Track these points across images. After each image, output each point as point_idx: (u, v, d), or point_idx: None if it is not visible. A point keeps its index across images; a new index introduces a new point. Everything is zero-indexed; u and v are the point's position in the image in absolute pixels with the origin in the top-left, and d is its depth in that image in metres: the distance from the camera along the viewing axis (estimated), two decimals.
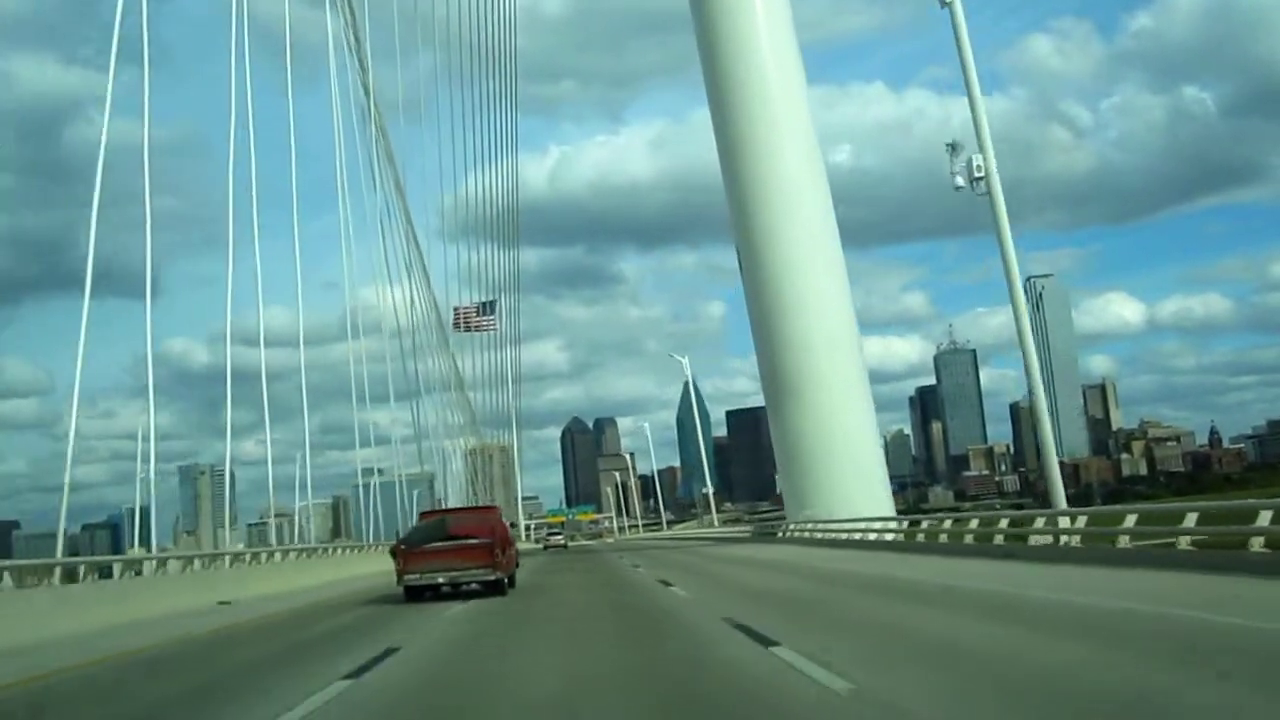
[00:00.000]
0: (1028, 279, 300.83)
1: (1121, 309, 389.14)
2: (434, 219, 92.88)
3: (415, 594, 19.36)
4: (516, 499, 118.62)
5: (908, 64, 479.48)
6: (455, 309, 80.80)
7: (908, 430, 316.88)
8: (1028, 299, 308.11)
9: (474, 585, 19.62)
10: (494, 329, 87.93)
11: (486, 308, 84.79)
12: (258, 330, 35.18)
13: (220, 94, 32.42)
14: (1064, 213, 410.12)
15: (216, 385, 30.08)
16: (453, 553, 19.39)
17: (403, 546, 19.77)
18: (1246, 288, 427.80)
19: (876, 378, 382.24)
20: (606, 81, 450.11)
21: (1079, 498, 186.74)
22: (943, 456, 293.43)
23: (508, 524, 26.36)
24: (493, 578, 19.56)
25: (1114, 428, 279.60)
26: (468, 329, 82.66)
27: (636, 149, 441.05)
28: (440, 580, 19.32)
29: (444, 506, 53.93)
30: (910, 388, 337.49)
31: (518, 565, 23.42)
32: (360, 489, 59.42)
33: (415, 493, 67.18)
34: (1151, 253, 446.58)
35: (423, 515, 24.41)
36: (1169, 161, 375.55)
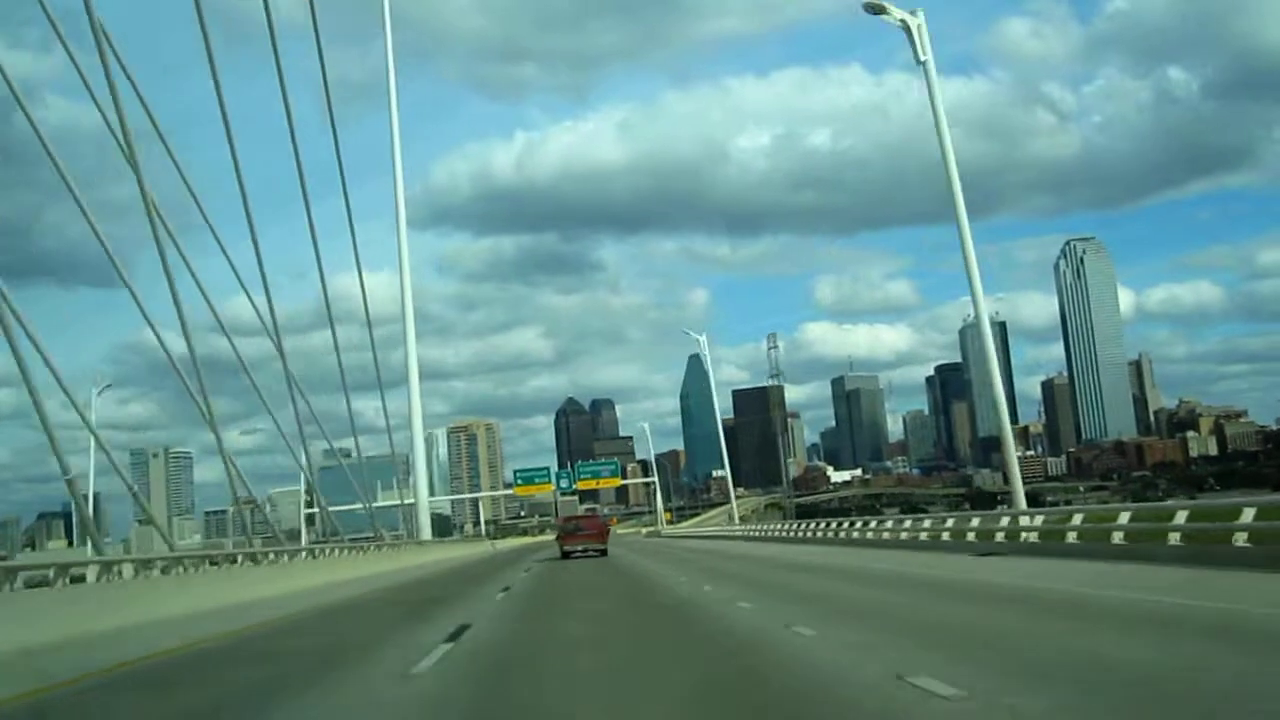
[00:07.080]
0: (1067, 241, 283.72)
1: None
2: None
3: (567, 555, 40.78)
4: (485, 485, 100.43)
5: (885, 46, 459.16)
6: None
7: (927, 412, 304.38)
8: (1066, 263, 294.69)
9: (592, 553, 40.87)
10: None
11: None
12: (235, 318, 34.49)
13: (186, 78, 29.92)
14: (1050, 197, 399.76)
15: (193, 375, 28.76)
16: (585, 536, 42.80)
17: (561, 534, 45.11)
18: (1236, 275, 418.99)
19: (875, 365, 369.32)
20: (570, 63, 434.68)
21: (1181, 481, 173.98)
22: (966, 438, 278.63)
23: (604, 521, 51.59)
24: (602, 548, 42.26)
25: (1152, 407, 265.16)
26: None
27: (605, 134, 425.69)
28: (579, 549, 41.35)
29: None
30: (926, 371, 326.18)
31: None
32: (345, 468, 51.43)
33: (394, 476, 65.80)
34: (1139, 239, 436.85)
35: (564, 520, 50.30)
36: (1154, 146, 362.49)
